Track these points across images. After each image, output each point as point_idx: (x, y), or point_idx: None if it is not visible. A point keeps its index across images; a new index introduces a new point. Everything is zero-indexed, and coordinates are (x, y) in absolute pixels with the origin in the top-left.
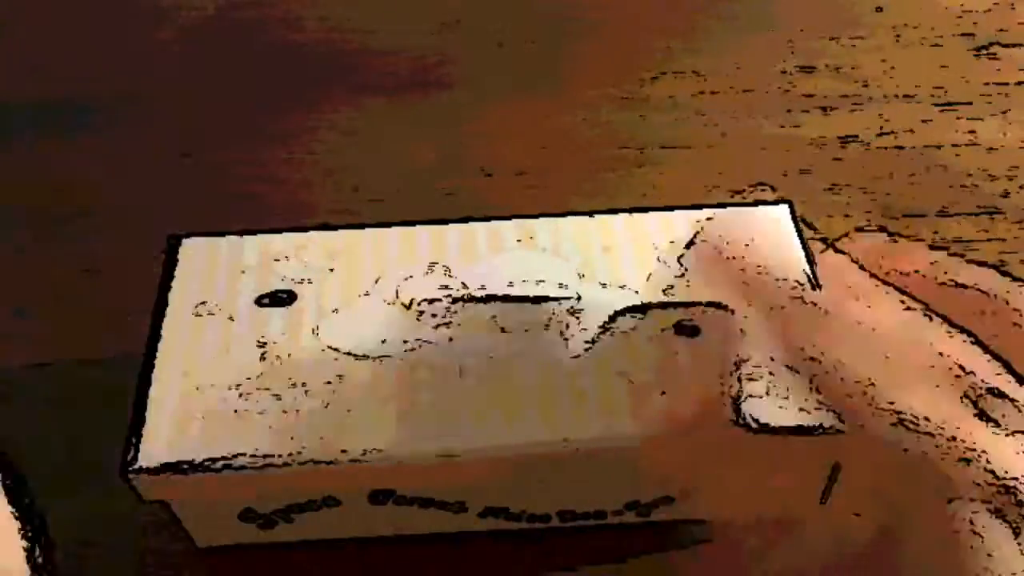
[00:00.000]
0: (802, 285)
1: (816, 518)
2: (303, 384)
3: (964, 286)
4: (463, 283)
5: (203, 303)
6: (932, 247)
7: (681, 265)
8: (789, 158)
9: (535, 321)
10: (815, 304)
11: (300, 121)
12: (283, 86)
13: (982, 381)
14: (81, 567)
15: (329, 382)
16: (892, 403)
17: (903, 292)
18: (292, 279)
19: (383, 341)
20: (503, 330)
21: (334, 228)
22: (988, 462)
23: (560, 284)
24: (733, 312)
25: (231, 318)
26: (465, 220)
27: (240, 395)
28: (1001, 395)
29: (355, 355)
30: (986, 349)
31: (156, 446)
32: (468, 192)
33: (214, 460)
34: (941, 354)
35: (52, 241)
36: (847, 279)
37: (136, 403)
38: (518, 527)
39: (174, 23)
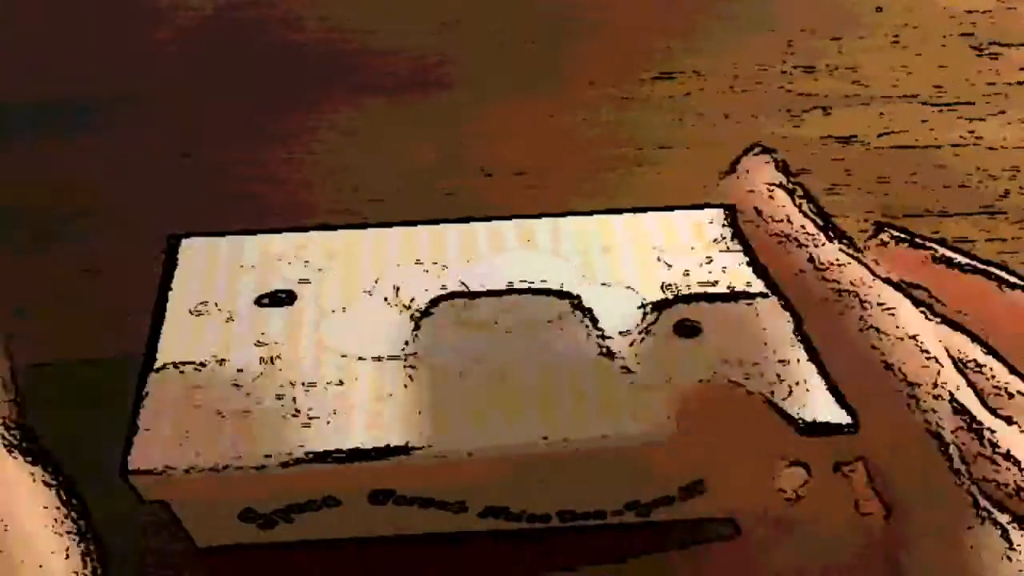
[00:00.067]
0: (827, 263)
1: (818, 517)
2: (303, 384)
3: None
4: (463, 283)
5: (203, 303)
6: (960, 264)
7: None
8: (789, 158)
9: (535, 321)
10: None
11: (300, 121)
12: (283, 86)
13: (991, 378)
14: None
15: (329, 382)
16: (916, 394)
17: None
18: (292, 279)
19: (383, 341)
20: (503, 330)
21: (334, 228)
22: (1009, 463)
23: (560, 284)
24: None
25: (231, 318)
26: (465, 220)
27: (240, 395)
28: (1011, 394)
29: (355, 355)
30: (988, 348)
31: (156, 446)
32: (468, 192)
33: (214, 460)
34: (951, 355)
35: (52, 241)
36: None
37: (136, 403)
38: (518, 527)
39: (173, 23)
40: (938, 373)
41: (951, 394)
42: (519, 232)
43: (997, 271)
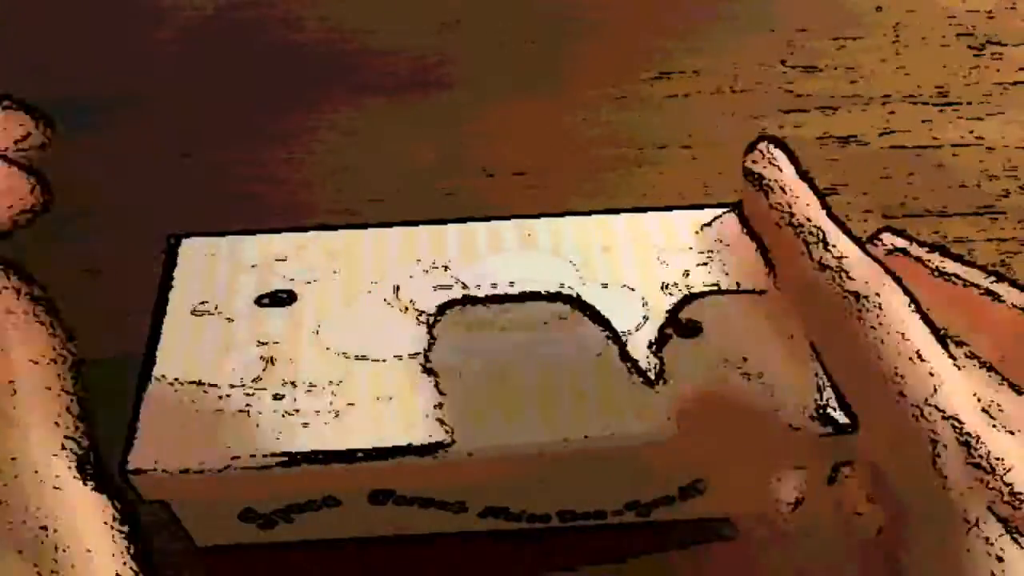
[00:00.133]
0: (838, 262)
1: (815, 520)
2: (303, 384)
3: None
4: (463, 283)
5: (203, 303)
6: (953, 275)
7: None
8: None
9: (535, 321)
10: (849, 285)
11: (300, 121)
12: (283, 86)
13: (989, 392)
14: None
15: (329, 382)
16: (916, 401)
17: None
18: (292, 279)
19: (383, 341)
20: (503, 330)
21: (334, 228)
22: (1006, 472)
23: (560, 284)
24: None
25: (231, 318)
26: (465, 220)
27: (240, 395)
28: (1008, 405)
29: (355, 355)
30: (981, 361)
31: (156, 446)
32: (468, 192)
33: (214, 460)
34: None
35: (52, 241)
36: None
37: (136, 403)
38: (518, 527)
39: (174, 23)
40: (937, 384)
41: (949, 404)
42: (519, 232)
43: (986, 283)
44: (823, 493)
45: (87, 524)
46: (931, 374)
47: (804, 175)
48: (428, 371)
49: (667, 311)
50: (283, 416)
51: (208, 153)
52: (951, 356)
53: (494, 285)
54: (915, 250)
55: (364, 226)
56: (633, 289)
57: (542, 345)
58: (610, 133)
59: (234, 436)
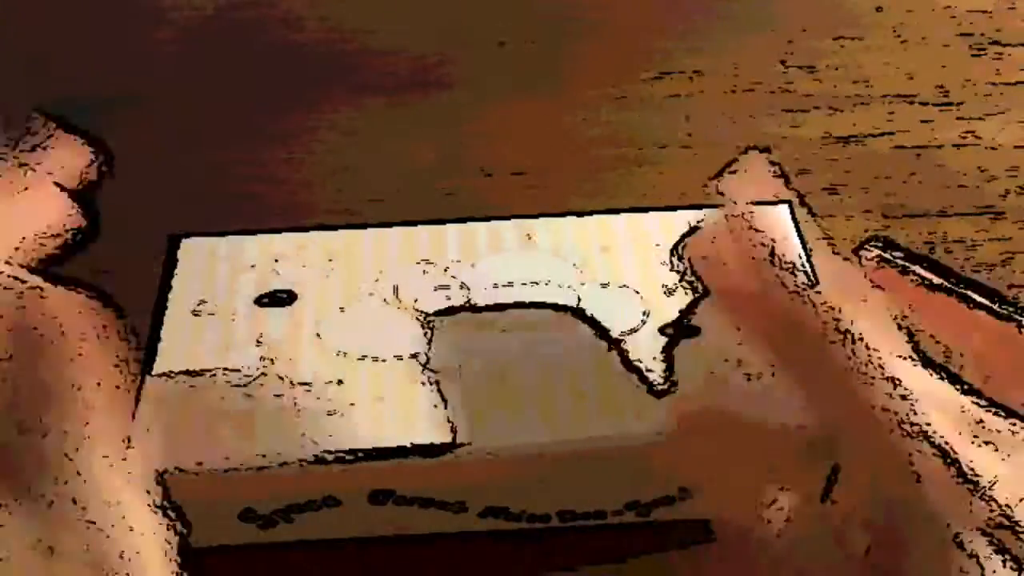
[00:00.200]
0: (802, 289)
1: (816, 521)
2: (303, 384)
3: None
4: (463, 283)
5: (203, 303)
6: (937, 285)
7: (678, 256)
8: (789, 158)
9: (535, 321)
10: (815, 309)
11: (300, 121)
12: (283, 86)
13: (967, 410)
14: None
15: (329, 382)
16: (897, 421)
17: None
18: (292, 279)
19: (383, 341)
20: (503, 330)
21: (334, 228)
22: (989, 490)
23: (560, 284)
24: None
25: (231, 318)
26: (465, 220)
27: (240, 395)
28: (987, 422)
29: (355, 355)
30: (959, 380)
31: (156, 446)
32: (468, 192)
33: (214, 460)
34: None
35: None
36: (846, 284)
37: (136, 402)
38: (518, 527)
39: (174, 23)
40: (917, 404)
41: (929, 429)
42: (519, 232)
43: (974, 295)
44: (815, 509)
45: (145, 546)
46: (911, 395)
47: (789, 182)
48: (428, 371)
49: (679, 311)
50: (283, 416)
51: (208, 153)
52: (935, 370)
53: (494, 285)
54: (901, 261)
55: (364, 226)
56: (633, 289)
57: (542, 345)
58: (610, 133)
59: (234, 436)
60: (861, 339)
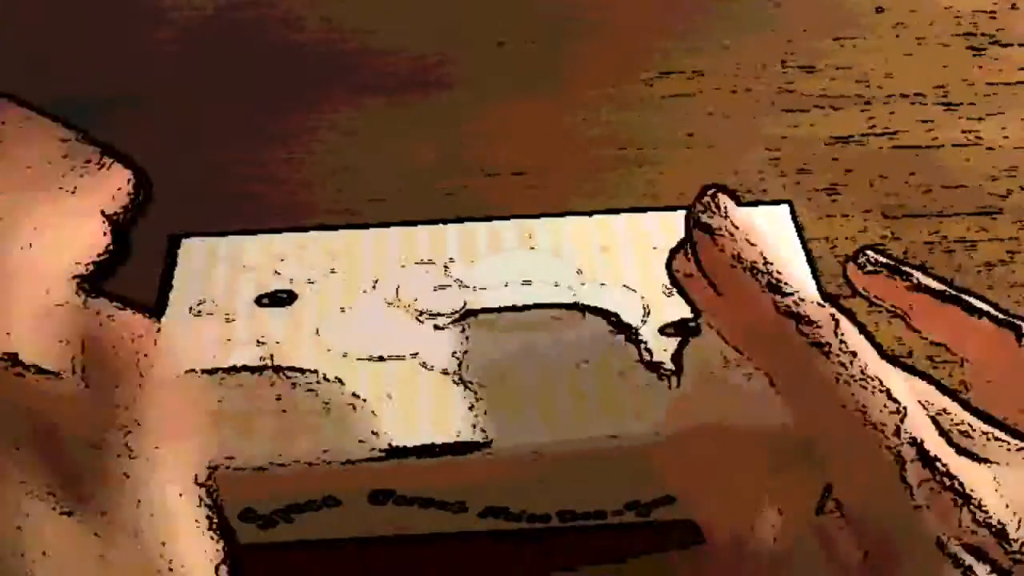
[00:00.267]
0: (788, 301)
1: (808, 533)
2: (303, 384)
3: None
4: (463, 283)
5: (203, 303)
6: (934, 292)
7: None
8: (789, 158)
9: (535, 322)
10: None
11: (300, 121)
12: (283, 86)
13: (955, 421)
14: None
15: (329, 382)
16: (883, 434)
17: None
18: (292, 279)
19: (383, 341)
20: (503, 330)
21: (334, 228)
22: (979, 502)
23: (560, 284)
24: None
25: (231, 318)
26: (465, 220)
27: (240, 395)
28: (975, 432)
29: (355, 355)
30: (945, 389)
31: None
32: (468, 192)
33: (214, 460)
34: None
35: None
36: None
37: None
38: (518, 527)
39: (174, 23)
40: (903, 419)
41: (916, 439)
42: (519, 232)
43: (969, 299)
44: (807, 521)
45: (198, 564)
46: (896, 408)
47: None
48: (428, 371)
49: (667, 311)
50: (283, 416)
51: (208, 153)
52: (926, 380)
53: (494, 285)
54: (897, 268)
55: (364, 226)
56: (633, 289)
57: (542, 345)
58: (610, 133)
59: (234, 436)
60: (849, 351)
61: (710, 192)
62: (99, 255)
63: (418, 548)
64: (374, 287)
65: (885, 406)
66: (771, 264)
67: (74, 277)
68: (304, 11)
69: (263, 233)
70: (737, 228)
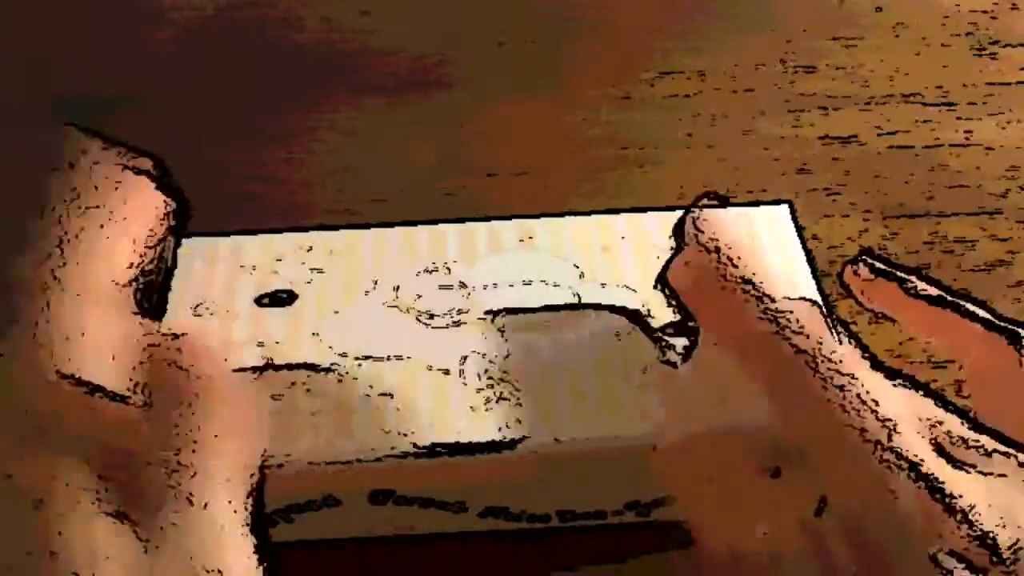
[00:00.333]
0: (784, 318)
1: (801, 541)
2: (303, 384)
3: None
4: (463, 283)
5: (203, 303)
6: (931, 298)
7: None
8: (789, 158)
9: (535, 322)
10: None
11: (300, 121)
12: (283, 86)
13: (947, 431)
14: None
15: (329, 382)
16: (874, 445)
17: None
18: (292, 279)
19: (383, 341)
20: (503, 330)
21: (334, 228)
22: (968, 511)
23: (560, 284)
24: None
25: (231, 318)
26: (465, 220)
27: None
28: (968, 442)
29: (355, 355)
30: (940, 399)
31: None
32: (468, 192)
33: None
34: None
35: None
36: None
37: None
38: (518, 527)
39: (173, 23)
40: (892, 431)
41: (905, 450)
42: (519, 232)
43: (965, 304)
44: (800, 529)
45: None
46: (887, 419)
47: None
48: (427, 371)
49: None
50: (283, 416)
51: (208, 153)
52: (917, 388)
53: (494, 285)
54: (893, 274)
55: (364, 226)
56: (633, 289)
57: (542, 345)
58: (610, 133)
59: None
60: (837, 363)
61: (698, 205)
62: (148, 274)
63: (418, 548)
64: (374, 287)
65: (874, 417)
66: (757, 277)
67: (134, 297)
68: (304, 11)
69: (263, 233)
70: (723, 242)
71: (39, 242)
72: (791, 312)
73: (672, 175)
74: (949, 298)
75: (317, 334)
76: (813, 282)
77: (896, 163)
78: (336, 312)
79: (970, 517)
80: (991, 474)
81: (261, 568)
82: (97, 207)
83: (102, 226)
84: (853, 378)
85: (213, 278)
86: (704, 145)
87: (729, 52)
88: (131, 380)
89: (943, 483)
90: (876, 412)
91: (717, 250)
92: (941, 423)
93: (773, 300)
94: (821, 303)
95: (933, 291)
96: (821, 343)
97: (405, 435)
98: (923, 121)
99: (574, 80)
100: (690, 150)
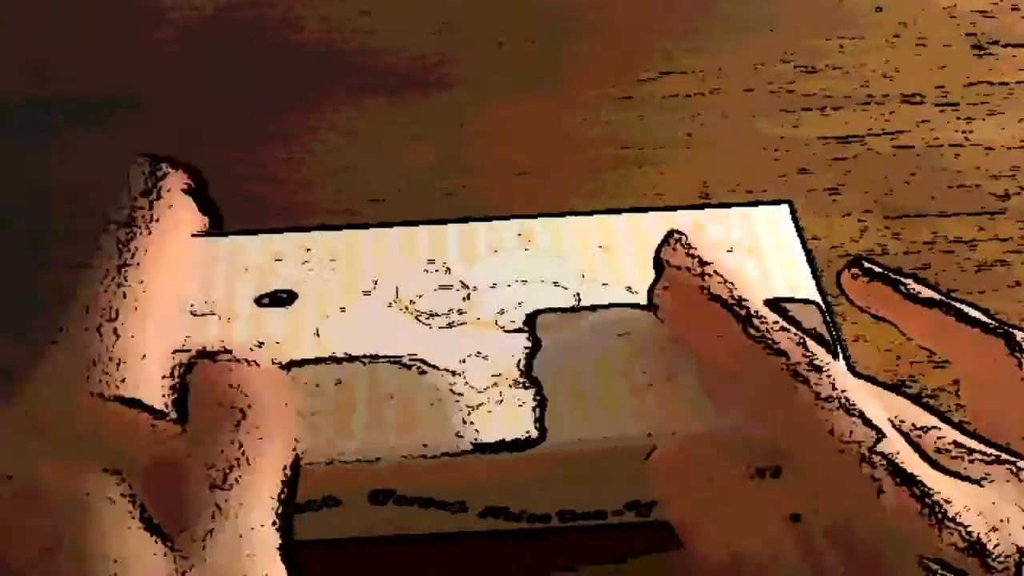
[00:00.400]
0: (769, 335)
1: (792, 545)
2: (303, 384)
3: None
4: (463, 283)
5: (203, 303)
6: (926, 300)
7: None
8: (789, 158)
9: (536, 322)
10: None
11: (300, 121)
12: (283, 86)
13: (936, 438)
14: None
15: (329, 382)
16: (861, 451)
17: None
18: (292, 279)
19: (383, 341)
20: (503, 330)
21: (334, 228)
22: (956, 517)
23: (560, 284)
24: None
25: (231, 318)
26: (465, 220)
27: None
28: (957, 449)
29: (355, 355)
30: (927, 406)
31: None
32: (468, 192)
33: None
34: (897, 415)
35: (52, 241)
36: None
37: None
38: (518, 527)
39: (173, 23)
40: (877, 439)
41: (892, 459)
42: (519, 232)
43: (961, 306)
44: (790, 533)
45: None
46: (874, 426)
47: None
48: (428, 371)
49: None
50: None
51: (208, 153)
52: (909, 397)
53: (494, 285)
54: (889, 277)
55: (364, 226)
56: (633, 289)
57: (542, 345)
58: (610, 133)
59: None
60: (820, 375)
61: (674, 235)
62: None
63: (418, 548)
64: (374, 287)
65: (861, 424)
66: (739, 295)
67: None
68: (304, 11)
69: (263, 233)
70: (703, 263)
71: (106, 260)
72: (773, 329)
73: (672, 175)
74: (945, 301)
75: (317, 334)
76: (813, 282)
77: (896, 163)
78: (336, 312)
79: (959, 524)
80: (981, 481)
81: None
82: (158, 228)
83: (162, 246)
84: (839, 385)
85: (213, 278)
86: (704, 145)
87: (729, 52)
88: (172, 396)
89: (932, 490)
90: (858, 422)
91: (690, 269)
92: (929, 429)
93: (754, 319)
94: (821, 303)
95: (928, 294)
96: (806, 351)
97: (405, 435)
98: (923, 121)
99: (574, 80)
100: (690, 150)
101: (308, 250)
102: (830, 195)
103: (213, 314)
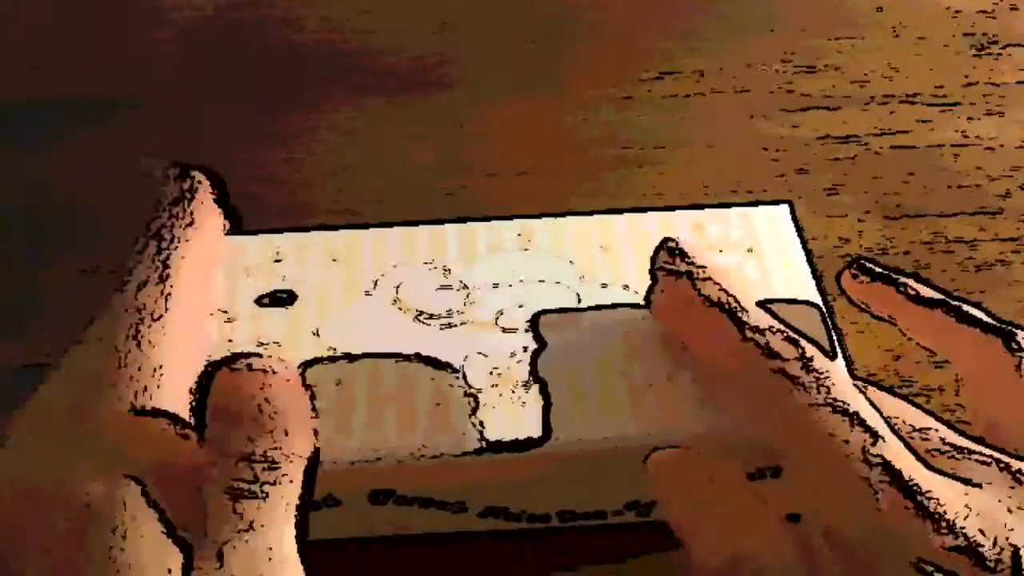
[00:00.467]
0: (765, 339)
1: (788, 547)
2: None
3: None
4: (463, 283)
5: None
6: (926, 300)
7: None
8: (789, 158)
9: (534, 321)
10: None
11: (300, 121)
12: (283, 86)
13: (932, 439)
14: None
15: (329, 383)
16: (856, 453)
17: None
18: (292, 279)
19: (383, 341)
20: (503, 330)
21: (334, 228)
22: (951, 519)
23: (560, 284)
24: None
25: (231, 318)
26: (465, 220)
27: None
28: (953, 451)
29: (355, 355)
30: (923, 408)
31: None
32: (468, 192)
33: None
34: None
35: (52, 241)
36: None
37: None
38: (518, 527)
39: (173, 23)
40: (872, 442)
41: (887, 461)
42: (519, 232)
43: (961, 305)
44: (787, 535)
45: None
46: (870, 427)
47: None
48: (428, 371)
49: None
50: None
51: (208, 153)
52: (907, 400)
53: (494, 285)
54: (888, 277)
55: (364, 226)
56: (633, 289)
57: (542, 345)
58: (610, 133)
59: None
60: (815, 379)
61: (669, 244)
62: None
63: (418, 548)
64: (374, 287)
65: (858, 426)
66: (733, 298)
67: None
68: (304, 11)
69: (263, 233)
70: (699, 269)
71: (138, 270)
72: (768, 334)
73: (672, 175)
74: (944, 300)
75: (317, 334)
76: (813, 282)
77: (896, 163)
78: (336, 312)
79: (955, 525)
80: (979, 483)
81: None
82: (192, 235)
83: (195, 254)
84: (835, 387)
85: (213, 278)
86: (704, 145)
87: (729, 52)
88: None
89: (927, 491)
90: (859, 420)
91: (685, 274)
92: (926, 431)
93: (750, 324)
94: (821, 303)
95: (928, 293)
96: (801, 354)
97: (405, 435)
98: (923, 121)
99: (574, 80)
100: (690, 150)
101: (308, 250)
102: (829, 195)
103: (212, 314)
